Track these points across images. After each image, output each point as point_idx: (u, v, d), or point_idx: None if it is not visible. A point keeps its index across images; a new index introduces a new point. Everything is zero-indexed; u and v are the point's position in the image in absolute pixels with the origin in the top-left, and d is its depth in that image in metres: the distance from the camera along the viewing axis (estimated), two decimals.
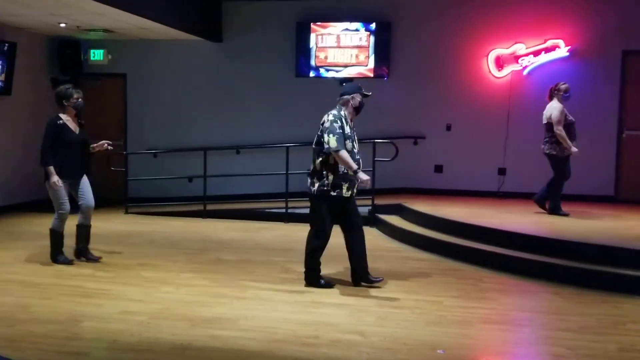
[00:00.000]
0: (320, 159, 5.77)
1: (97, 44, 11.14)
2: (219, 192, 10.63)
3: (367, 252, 7.52)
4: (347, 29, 10.20)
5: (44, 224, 9.12)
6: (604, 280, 5.96)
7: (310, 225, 6.02)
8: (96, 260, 6.82)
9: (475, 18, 9.99)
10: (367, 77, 10.23)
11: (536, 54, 9.72)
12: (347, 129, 5.74)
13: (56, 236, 6.79)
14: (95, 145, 6.83)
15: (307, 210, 9.74)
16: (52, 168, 6.48)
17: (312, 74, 10.40)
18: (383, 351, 4.40)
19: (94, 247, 7.13)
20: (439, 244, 7.39)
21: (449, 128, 10.22)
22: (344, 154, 5.62)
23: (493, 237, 7.01)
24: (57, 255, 6.79)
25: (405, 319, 5.08)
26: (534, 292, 5.98)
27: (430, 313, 5.24)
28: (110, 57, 11.18)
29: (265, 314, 5.16)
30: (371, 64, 10.18)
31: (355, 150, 5.81)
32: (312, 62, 10.35)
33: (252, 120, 10.85)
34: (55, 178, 6.47)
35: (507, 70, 9.86)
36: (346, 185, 5.75)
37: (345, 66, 10.25)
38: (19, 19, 9.31)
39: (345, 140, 5.68)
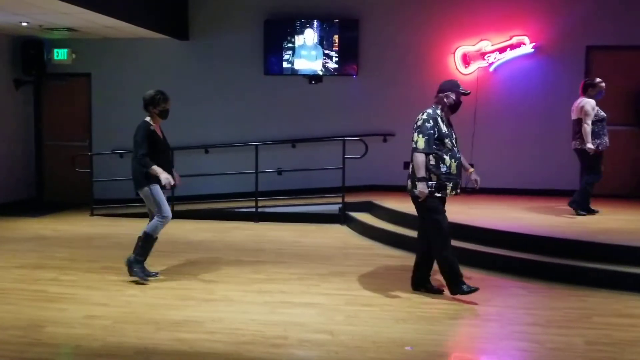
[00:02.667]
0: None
1: (60, 43, 10.92)
2: (187, 192, 10.49)
3: (338, 250, 7.56)
4: (315, 27, 10.16)
5: (7, 227, 8.96)
6: (570, 274, 6.03)
7: (425, 230, 5.74)
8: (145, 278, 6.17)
9: (442, 15, 10.04)
10: (336, 75, 10.22)
11: (502, 50, 9.80)
12: (444, 128, 5.54)
13: (152, 242, 6.19)
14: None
15: (278, 209, 9.83)
16: (157, 167, 6.01)
17: (281, 72, 10.34)
18: (352, 350, 4.37)
19: (57, 250, 7.00)
20: (409, 240, 7.36)
21: None
22: (421, 158, 5.46)
23: (461, 232, 7.02)
24: (137, 262, 6.16)
25: (375, 317, 5.07)
26: (502, 287, 6.02)
27: (399, 310, 5.24)
28: (74, 56, 10.97)
29: (233, 315, 5.10)
30: (340, 61, 10.15)
31: (456, 149, 5.61)
32: (281, 60, 10.28)
33: (221, 119, 10.75)
34: (165, 174, 5.98)
35: (474, 67, 9.92)
36: (450, 185, 5.56)
37: (314, 64, 10.21)
38: None
39: (444, 139, 5.51)
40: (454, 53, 9.96)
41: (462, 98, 5.75)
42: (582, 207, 7.93)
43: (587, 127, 7.64)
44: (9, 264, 6.73)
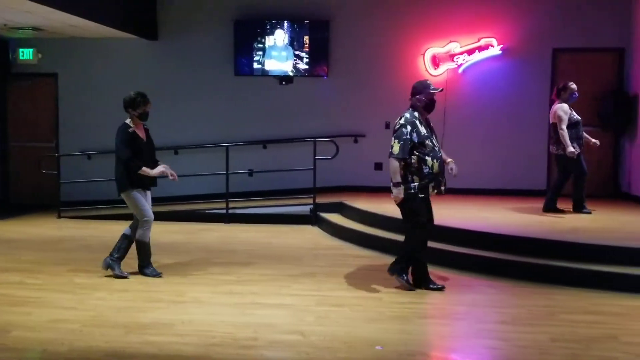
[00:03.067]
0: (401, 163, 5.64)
1: (26, 43, 10.75)
2: (157, 193, 10.30)
3: (309, 251, 7.57)
4: (286, 27, 10.16)
5: None
6: (537, 272, 6.12)
7: (406, 230, 5.91)
8: (158, 275, 6.33)
9: (412, 17, 10.12)
10: (306, 76, 10.23)
11: (470, 52, 9.92)
12: (423, 130, 5.67)
13: (144, 247, 6.32)
14: None
15: (249, 211, 9.80)
16: (146, 168, 6.19)
17: (251, 73, 10.31)
18: (323, 350, 4.38)
19: (23, 253, 6.88)
20: (379, 240, 7.44)
21: (387, 126, 10.28)
22: (395, 164, 5.60)
23: (431, 232, 7.09)
24: (145, 267, 6.32)
25: (345, 317, 5.09)
26: (470, 285, 6.09)
27: (369, 310, 5.27)
28: (40, 56, 10.81)
29: (203, 317, 5.07)
30: (310, 62, 10.17)
31: (437, 147, 5.75)
32: (251, 61, 10.25)
33: (190, 119, 10.68)
34: (160, 169, 6.23)
35: (443, 68, 10.02)
36: (432, 184, 5.69)
37: (285, 65, 10.20)
38: None
39: (425, 141, 5.63)
40: (424, 54, 10.06)
41: (437, 96, 5.85)
42: (582, 205, 8.05)
43: (563, 132, 7.69)
44: None
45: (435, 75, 10.05)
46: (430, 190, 5.71)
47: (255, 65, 10.27)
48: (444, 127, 10.04)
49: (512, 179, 10.00)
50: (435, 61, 10.04)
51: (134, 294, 5.70)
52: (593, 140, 8.05)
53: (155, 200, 10.05)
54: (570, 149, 7.63)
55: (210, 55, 10.56)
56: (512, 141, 9.95)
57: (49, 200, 10.43)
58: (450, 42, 9.97)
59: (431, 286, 5.82)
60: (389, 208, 8.25)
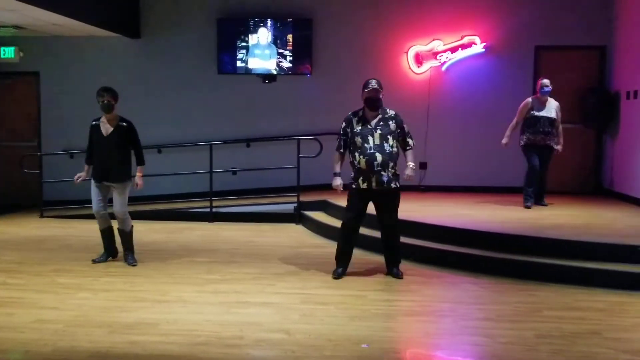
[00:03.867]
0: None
1: (7, 41, 10.60)
2: (140, 192, 10.24)
3: (293, 249, 7.56)
4: (269, 26, 10.13)
5: None
6: (520, 269, 6.16)
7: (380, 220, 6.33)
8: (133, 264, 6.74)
9: (395, 15, 10.14)
10: (290, 74, 10.21)
11: (453, 50, 9.96)
12: (357, 127, 6.01)
13: (101, 234, 6.91)
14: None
15: (232, 209, 9.77)
16: (86, 165, 6.75)
17: (234, 71, 10.27)
18: (308, 348, 4.38)
19: (4, 253, 6.80)
20: (363, 238, 7.40)
21: None
22: (335, 155, 6.21)
23: (415, 230, 7.12)
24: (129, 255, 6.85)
25: (330, 315, 5.09)
26: (454, 282, 6.12)
27: (354, 308, 5.27)
28: (21, 54, 10.67)
29: (187, 316, 5.04)
30: (294, 61, 10.15)
31: (367, 145, 5.93)
32: (235, 59, 10.22)
33: (174, 118, 10.62)
34: (79, 174, 6.72)
35: (426, 66, 10.05)
36: (361, 178, 5.98)
37: (268, 63, 10.18)
38: None
39: (354, 137, 5.99)
40: (407, 52, 10.08)
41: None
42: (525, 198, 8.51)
43: (511, 123, 8.49)
44: None
45: (418, 73, 10.09)
46: (360, 183, 5.99)
47: (239, 64, 10.23)
48: (428, 124, 10.08)
49: (494, 175, 10.06)
50: (419, 59, 10.07)
51: (118, 294, 5.66)
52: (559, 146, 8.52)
53: (138, 199, 10.09)
54: (504, 140, 8.46)
55: (193, 53, 10.50)
56: (494, 138, 9.93)
57: (31, 199, 10.32)
58: (434, 40, 10.00)
59: (393, 273, 6.20)
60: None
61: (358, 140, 5.96)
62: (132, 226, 6.87)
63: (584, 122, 9.90)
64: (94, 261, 6.76)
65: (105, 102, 6.54)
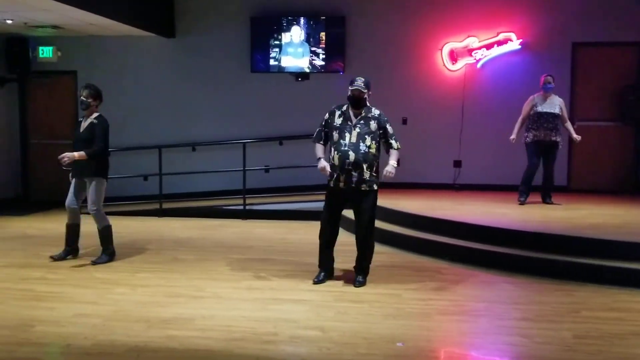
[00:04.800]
0: None
1: (45, 41, 10.81)
2: (175, 190, 10.49)
3: None
4: (302, 24, 10.15)
5: None
6: (558, 269, 6.07)
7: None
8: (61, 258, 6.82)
9: (429, 11, 10.07)
10: (323, 72, 10.21)
11: (489, 47, 9.85)
12: (337, 121, 5.88)
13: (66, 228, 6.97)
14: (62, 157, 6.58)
15: (265, 207, 9.82)
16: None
17: (267, 70, 10.32)
18: (343, 346, 4.38)
19: (44, 249, 6.93)
20: (397, 237, 7.42)
21: (404, 122, 10.27)
22: (313, 145, 6.04)
23: (450, 229, 7.07)
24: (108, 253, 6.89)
25: (364, 313, 5.08)
26: (491, 282, 6.05)
27: (388, 306, 5.25)
28: (59, 54, 10.87)
29: (223, 312, 5.09)
30: (327, 58, 10.15)
31: (343, 142, 5.76)
32: (268, 58, 10.26)
33: (208, 116, 10.72)
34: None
35: (461, 63, 9.96)
36: (334, 175, 5.84)
37: (301, 61, 10.20)
38: None
39: (332, 131, 5.87)
40: (442, 49, 10.00)
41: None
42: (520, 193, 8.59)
43: (518, 120, 8.48)
44: None
45: (453, 70, 10.00)
46: (333, 180, 5.87)
47: (272, 62, 10.27)
48: (462, 122, 9.99)
49: None
50: (453, 56, 9.98)
51: (154, 289, 5.74)
52: (575, 135, 8.46)
53: (172, 197, 10.23)
54: (512, 136, 8.45)
55: (227, 52, 10.58)
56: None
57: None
58: (469, 36, 9.90)
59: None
60: (407, 204, 8.27)
61: (335, 134, 5.81)
62: (108, 226, 6.82)
63: (622, 119, 9.72)
64: (53, 258, 6.75)
65: (82, 99, 6.70)
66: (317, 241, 7.95)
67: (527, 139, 8.36)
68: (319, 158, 5.92)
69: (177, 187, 10.53)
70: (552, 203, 8.44)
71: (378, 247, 7.44)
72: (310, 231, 8.52)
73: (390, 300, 5.42)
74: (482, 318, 5.05)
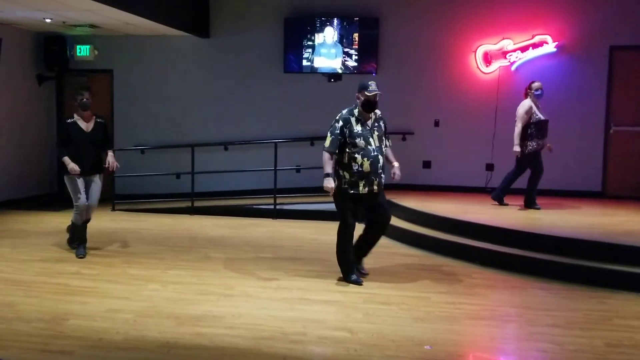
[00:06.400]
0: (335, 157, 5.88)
1: (83, 40, 11.03)
2: (207, 188, 10.60)
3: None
4: (335, 25, 10.16)
5: (30, 221, 9.09)
6: (591, 275, 5.98)
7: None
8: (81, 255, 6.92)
9: (463, 13, 9.99)
10: (355, 73, 10.21)
11: (524, 49, 9.73)
12: (356, 128, 5.79)
13: (74, 229, 7.07)
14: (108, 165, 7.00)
15: (296, 207, 9.86)
16: (66, 158, 6.71)
17: (300, 70, 10.36)
18: (371, 347, 4.38)
19: None
20: (428, 239, 7.39)
21: (437, 124, 10.21)
22: (325, 156, 5.85)
23: (482, 232, 7.01)
24: (73, 245, 7.11)
25: (393, 315, 5.07)
26: (522, 287, 5.98)
27: (417, 309, 5.23)
28: (96, 52, 11.08)
29: (252, 311, 5.13)
30: (359, 59, 10.15)
31: (372, 147, 5.80)
32: (301, 58, 10.30)
33: (240, 116, 10.80)
34: (71, 165, 6.67)
35: (495, 65, 9.86)
36: (362, 182, 5.79)
37: (334, 62, 10.21)
38: (4, 14, 9.19)
39: (355, 139, 5.76)
40: (475, 52, 9.92)
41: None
42: (533, 202, 8.37)
43: (516, 129, 8.03)
44: (32, 257, 6.84)
45: (487, 72, 9.91)
46: (361, 187, 5.76)
47: (305, 63, 10.31)
48: (495, 125, 9.89)
49: (566, 179, 9.77)
50: (487, 58, 9.89)
51: (185, 287, 5.81)
52: (548, 145, 8.20)
53: (204, 195, 10.34)
54: (515, 148, 8.02)
55: (260, 52, 10.65)
56: (566, 141, 9.70)
57: (103, 193, 10.62)
58: (503, 39, 9.80)
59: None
60: (439, 207, 8.23)
61: (360, 141, 5.75)
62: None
63: None
64: (80, 255, 6.88)
65: (84, 100, 6.80)
66: None
67: (530, 147, 8.05)
68: (327, 174, 5.79)
69: (209, 185, 10.64)
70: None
71: (408, 250, 7.47)
72: None
73: (420, 303, 5.40)
74: (513, 323, 5.00)
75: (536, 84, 8.13)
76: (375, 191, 5.86)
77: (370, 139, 5.82)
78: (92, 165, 6.90)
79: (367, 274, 6.15)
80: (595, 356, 4.29)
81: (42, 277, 6.10)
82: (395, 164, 6.01)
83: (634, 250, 6.09)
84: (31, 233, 8.26)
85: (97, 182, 6.98)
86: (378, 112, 5.99)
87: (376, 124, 5.91)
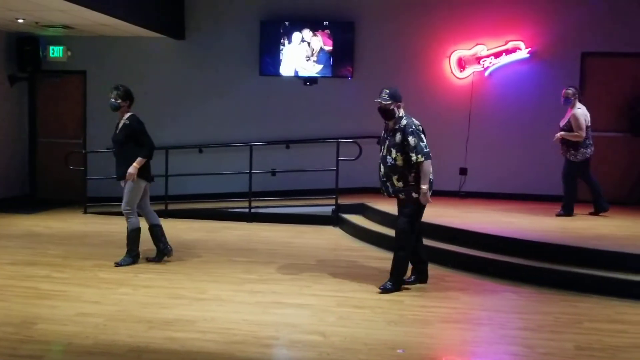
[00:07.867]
0: None
1: (56, 41, 10.90)
2: (181, 191, 10.51)
3: (331, 252, 7.56)
4: (311, 28, 10.16)
5: (1, 224, 8.94)
6: (562, 279, 6.05)
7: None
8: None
9: (438, 19, 10.06)
10: (330, 77, 10.23)
11: (497, 55, 9.83)
12: (383, 133, 6.04)
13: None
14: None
15: (271, 210, 9.84)
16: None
17: (276, 73, 10.34)
18: (344, 351, 4.38)
19: (50, 247, 6.96)
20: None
21: None
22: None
23: (455, 236, 7.06)
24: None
25: (366, 319, 5.08)
26: (494, 291, 6.04)
27: (390, 312, 5.25)
28: (69, 53, 10.95)
29: (225, 315, 5.10)
30: (335, 63, 10.17)
31: (381, 154, 5.97)
32: (276, 61, 10.28)
33: (216, 118, 10.74)
34: None
35: (469, 71, 9.95)
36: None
37: (310, 65, 10.21)
38: None
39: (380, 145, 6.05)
40: (450, 57, 9.99)
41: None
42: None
43: (576, 138, 8.11)
44: (1, 260, 6.72)
45: (461, 77, 9.99)
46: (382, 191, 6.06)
47: (281, 66, 10.27)
48: (469, 130, 9.98)
49: (536, 183, 9.88)
50: (461, 64, 9.97)
51: (157, 290, 5.76)
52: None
53: (178, 198, 10.26)
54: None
55: (236, 55, 10.61)
56: (537, 145, 9.81)
57: (75, 195, 10.58)
58: (477, 44, 9.89)
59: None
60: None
61: (380, 147, 6.04)
62: (138, 228, 6.69)
63: (632, 130, 9.66)
64: (150, 259, 6.82)
65: (111, 101, 6.71)
66: (321, 246, 8.00)
67: (583, 156, 8.11)
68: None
69: (183, 188, 10.56)
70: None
71: (382, 253, 7.48)
72: (315, 235, 8.58)
73: (393, 306, 5.42)
74: (485, 327, 5.04)
75: (564, 89, 8.22)
76: (384, 196, 6.08)
77: (383, 147, 5.95)
78: (117, 169, 6.62)
79: (382, 289, 5.86)
80: (565, 359, 4.34)
81: (11, 281, 5.99)
82: (422, 187, 5.74)
83: (604, 254, 6.18)
84: (1, 236, 8.12)
85: (127, 187, 6.57)
86: (403, 122, 5.83)
87: (391, 134, 5.89)
